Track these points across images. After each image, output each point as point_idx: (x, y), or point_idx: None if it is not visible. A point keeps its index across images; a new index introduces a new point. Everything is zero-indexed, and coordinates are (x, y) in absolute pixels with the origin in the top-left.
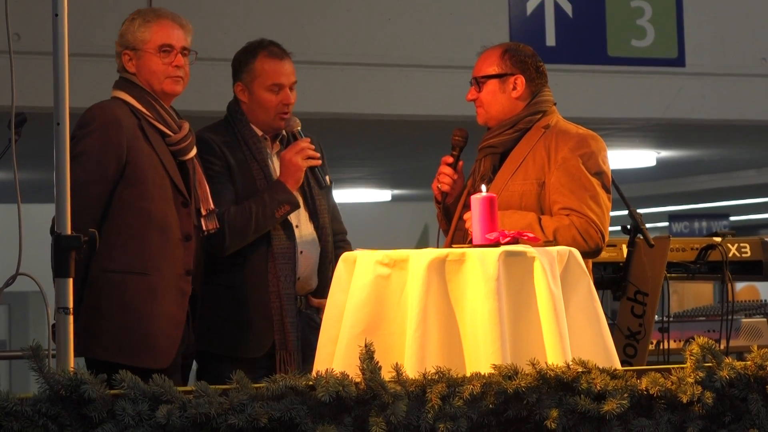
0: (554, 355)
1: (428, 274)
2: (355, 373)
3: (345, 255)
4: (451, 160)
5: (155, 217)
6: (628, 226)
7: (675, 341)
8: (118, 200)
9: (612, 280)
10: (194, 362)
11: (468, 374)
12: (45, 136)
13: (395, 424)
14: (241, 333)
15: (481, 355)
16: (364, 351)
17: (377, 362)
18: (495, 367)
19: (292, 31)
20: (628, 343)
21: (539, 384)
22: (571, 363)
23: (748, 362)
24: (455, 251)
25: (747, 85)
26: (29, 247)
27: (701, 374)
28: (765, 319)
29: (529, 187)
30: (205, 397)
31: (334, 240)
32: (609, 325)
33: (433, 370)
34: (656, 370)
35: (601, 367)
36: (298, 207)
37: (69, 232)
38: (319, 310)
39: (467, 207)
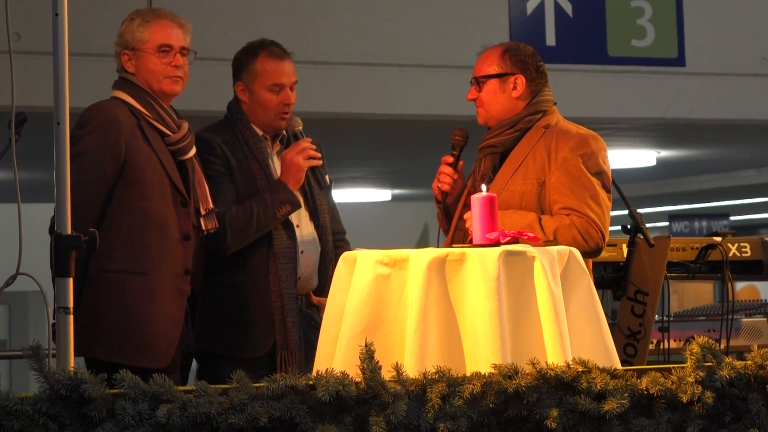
0: (554, 355)
1: (428, 273)
2: (355, 373)
3: (345, 255)
4: (451, 159)
5: (154, 216)
6: (629, 226)
7: (675, 341)
8: (117, 200)
9: (612, 280)
10: (194, 362)
11: (468, 374)
12: (45, 136)
13: (395, 423)
14: (242, 333)
15: (481, 355)
16: (364, 350)
17: (377, 362)
18: (495, 366)
19: (292, 31)
20: (629, 342)
21: (539, 383)
22: (571, 362)
23: (749, 362)
24: (455, 251)
25: (747, 85)
26: (29, 247)
27: (701, 374)
28: (765, 319)
29: (529, 187)
30: (205, 396)
31: (334, 239)
32: (609, 324)
33: (433, 370)
34: (656, 370)
35: (601, 366)
36: (299, 207)
37: (69, 231)
38: (320, 309)
39: (467, 207)
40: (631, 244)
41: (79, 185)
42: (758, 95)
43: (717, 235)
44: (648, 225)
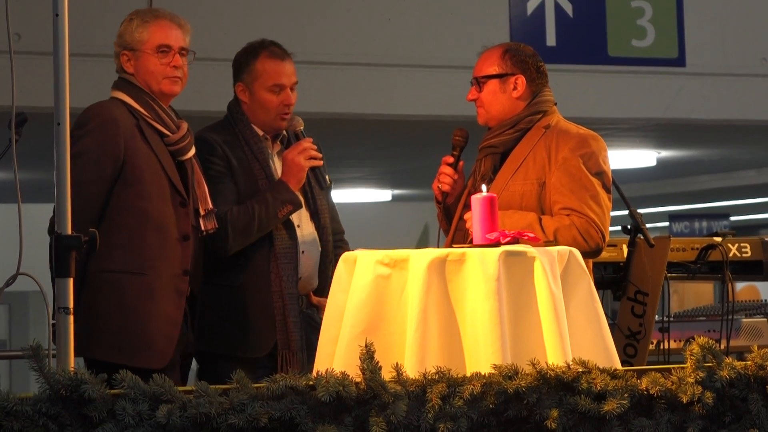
0: (554, 355)
1: (428, 274)
2: (355, 373)
3: (345, 255)
4: (451, 160)
5: (153, 216)
6: (629, 226)
7: (675, 341)
8: (116, 200)
9: (612, 280)
10: (195, 362)
11: (468, 374)
12: (45, 136)
13: (395, 424)
14: (244, 333)
15: (481, 355)
16: (364, 351)
17: (377, 362)
18: (495, 367)
19: (292, 31)
20: (629, 342)
21: (539, 384)
22: (571, 363)
23: (749, 362)
24: (455, 251)
25: (747, 85)
26: (29, 247)
27: (701, 374)
28: (765, 319)
29: (529, 187)
30: (205, 396)
31: (333, 240)
32: (609, 325)
33: (433, 370)
34: (656, 370)
35: (601, 367)
36: (300, 207)
37: (69, 232)
38: (320, 310)
39: (468, 207)
40: (632, 245)
41: (77, 185)
42: (758, 95)
43: (717, 235)
44: (648, 225)
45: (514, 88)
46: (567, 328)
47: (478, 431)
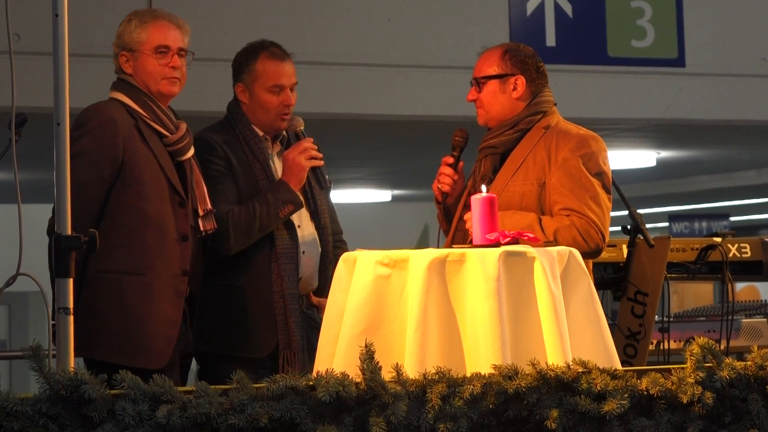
0: (554, 356)
1: (428, 274)
2: (355, 373)
3: (345, 255)
4: (451, 160)
5: (152, 217)
6: (629, 227)
7: (675, 341)
8: (115, 200)
9: (612, 281)
10: (195, 363)
11: (468, 374)
12: (45, 136)
13: (395, 424)
14: (245, 333)
15: (481, 355)
16: (364, 351)
17: (377, 362)
18: (495, 367)
19: (292, 31)
20: (629, 343)
21: (539, 384)
22: (571, 363)
23: (749, 362)
24: (455, 251)
25: (747, 85)
26: (29, 247)
27: (701, 374)
28: (765, 320)
29: (529, 188)
30: (205, 397)
31: (332, 240)
32: (609, 325)
33: (433, 370)
34: (656, 371)
35: (601, 367)
36: (301, 206)
37: (69, 232)
38: (320, 310)
39: (467, 207)
40: (631, 245)
41: (76, 186)
42: (758, 95)
43: (717, 235)
44: (648, 225)
45: (514, 89)
46: (567, 329)
47: (478, 431)
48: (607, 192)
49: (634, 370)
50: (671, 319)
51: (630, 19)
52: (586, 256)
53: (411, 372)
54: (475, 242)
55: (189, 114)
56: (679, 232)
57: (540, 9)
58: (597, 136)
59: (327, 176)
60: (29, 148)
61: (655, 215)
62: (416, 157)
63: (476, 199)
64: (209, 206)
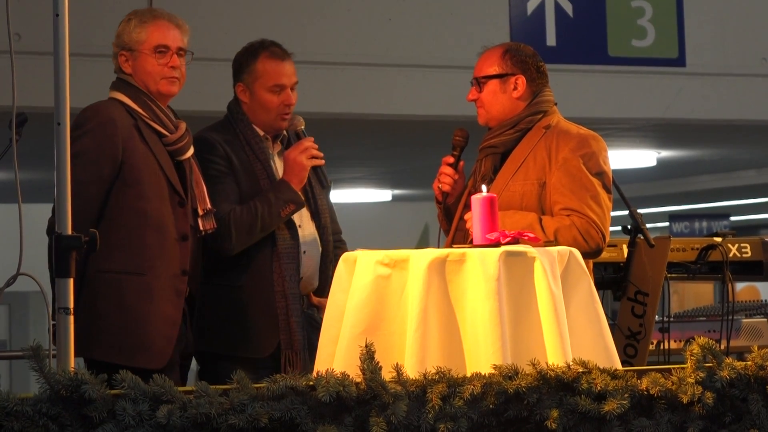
0: (555, 356)
1: (429, 274)
2: (355, 373)
3: (345, 255)
4: (451, 160)
5: (152, 217)
6: (629, 226)
7: (675, 341)
8: (115, 200)
9: (612, 280)
10: (195, 363)
11: (468, 374)
12: (45, 136)
13: (396, 424)
14: (246, 333)
15: (481, 355)
16: (364, 351)
17: (378, 362)
18: (495, 367)
19: (292, 31)
20: (629, 343)
21: (540, 384)
22: (571, 363)
23: (749, 362)
24: (456, 251)
25: (747, 85)
26: (30, 247)
27: (702, 374)
28: (765, 320)
29: (529, 188)
30: (205, 397)
31: (332, 239)
32: (609, 325)
33: (433, 370)
34: (657, 371)
35: (601, 367)
36: (303, 206)
37: (69, 232)
38: (320, 310)
39: (468, 207)
40: (632, 245)
41: (76, 186)
42: (758, 95)
43: (717, 235)
44: (648, 225)
45: (515, 89)
46: (567, 329)
47: (478, 431)
48: (608, 192)
49: (634, 370)
50: (671, 319)
51: (630, 18)
52: (586, 256)
53: (411, 372)
54: (475, 242)
55: (189, 114)
56: (679, 232)
57: (540, 9)
58: (597, 135)
59: (328, 176)
60: (29, 148)
61: (655, 215)
62: (416, 157)
63: (476, 199)
64: (209, 206)
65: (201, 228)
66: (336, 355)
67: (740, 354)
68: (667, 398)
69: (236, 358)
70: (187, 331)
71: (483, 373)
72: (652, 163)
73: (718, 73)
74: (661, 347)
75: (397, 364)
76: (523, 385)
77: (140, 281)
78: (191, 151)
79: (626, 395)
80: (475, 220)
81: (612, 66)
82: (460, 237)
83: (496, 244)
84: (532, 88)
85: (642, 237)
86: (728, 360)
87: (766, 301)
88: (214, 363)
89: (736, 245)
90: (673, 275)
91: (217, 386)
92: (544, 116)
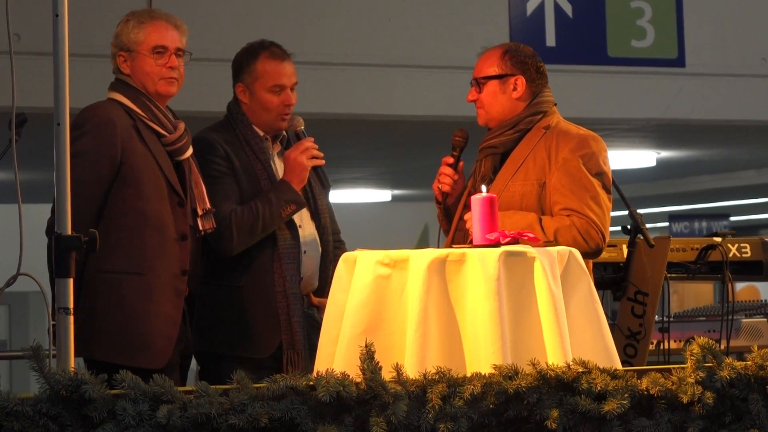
0: (555, 355)
1: (429, 274)
2: (355, 373)
3: (345, 255)
4: (451, 160)
5: (151, 217)
6: (629, 227)
7: (675, 341)
8: (114, 200)
9: (612, 281)
10: (195, 363)
11: (468, 374)
12: (45, 136)
13: (396, 424)
14: (248, 333)
15: (481, 355)
16: (364, 351)
17: (378, 362)
18: (495, 367)
19: (292, 31)
20: (629, 343)
21: (540, 384)
22: (571, 363)
23: (749, 362)
24: (455, 251)
25: (747, 85)
26: (30, 247)
27: (701, 374)
28: (765, 319)
29: (529, 188)
30: (205, 397)
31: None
32: (609, 325)
33: (433, 370)
34: (657, 370)
35: (601, 367)
36: (304, 206)
37: (69, 232)
38: (320, 310)
39: (468, 207)
40: (631, 245)
41: (75, 186)
42: (758, 95)
43: (717, 235)
44: (648, 225)
45: (514, 89)
46: (567, 329)
47: (478, 431)
48: (608, 192)
49: (634, 370)
50: (671, 319)
51: (630, 19)
52: (586, 256)
53: (411, 372)
54: (475, 242)
55: (189, 114)
56: (679, 232)
57: (540, 9)
58: (597, 136)
59: (328, 176)
60: (29, 148)
61: (655, 215)
62: (416, 157)
63: (476, 199)
64: (208, 205)
65: (200, 228)
66: (336, 355)
67: (740, 354)
68: (667, 398)
69: (237, 358)
70: (186, 331)
71: (483, 373)
72: (652, 163)
73: (718, 73)
74: (661, 347)
75: (397, 364)
76: (523, 385)
77: (140, 281)
78: (190, 151)
79: (626, 395)
80: (474, 220)
81: (612, 66)
82: (460, 237)
83: (496, 244)
84: (532, 88)
85: (642, 237)
86: (728, 360)
87: (766, 301)
88: (215, 363)
89: (736, 245)
90: (673, 275)
91: (217, 386)
92: (543, 117)
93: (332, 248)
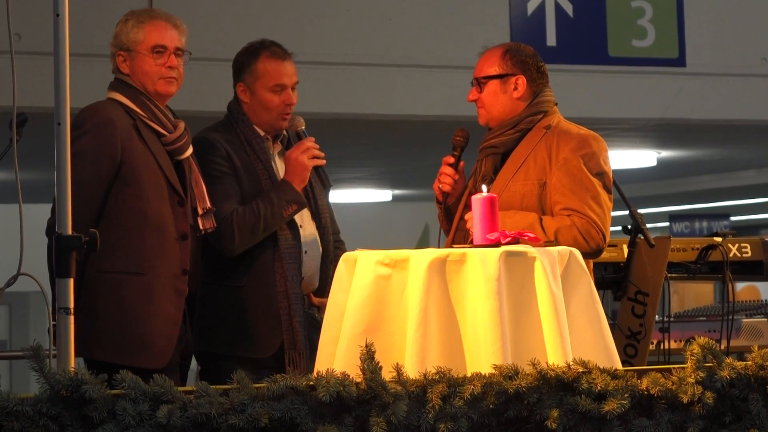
0: (555, 355)
1: (429, 274)
2: (355, 373)
3: (346, 255)
4: (452, 160)
5: (151, 216)
6: (629, 226)
7: (675, 341)
8: (114, 200)
9: (613, 280)
10: (195, 363)
11: (469, 374)
12: (45, 136)
13: (396, 424)
14: (249, 333)
15: (481, 355)
16: (364, 351)
17: (378, 362)
18: (496, 367)
19: (292, 31)
20: (629, 343)
21: (540, 384)
22: (571, 363)
23: (749, 362)
24: (456, 251)
25: (747, 85)
26: (30, 247)
27: (702, 374)
28: (765, 319)
29: (530, 188)
30: (205, 397)
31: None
32: (610, 325)
33: (433, 370)
34: (657, 370)
35: (601, 367)
36: (305, 206)
37: (69, 232)
38: (320, 310)
39: (468, 207)
40: (632, 245)
41: (75, 186)
42: (758, 95)
43: (717, 235)
44: (648, 225)
45: (515, 89)
46: (567, 328)
47: (478, 431)
48: (608, 192)
49: (634, 370)
50: (671, 319)
51: (630, 18)
52: (586, 256)
53: (411, 372)
54: (475, 242)
55: (189, 114)
56: (679, 231)
57: (540, 9)
58: (598, 136)
59: (329, 176)
60: (29, 148)
61: (655, 215)
62: (416, 157)
63: (477, 199)
64: (208, 205)
65: (201, 227)
66: (336, 355)
67: (740, 354)
68: (667, 398)
69: (238, 359)
70: (186, 331)
71: (483, 373)
72: (652, 163)
73: (718, 73)
74: (661, 347)
75: (397, 364)
76: (523, 385)
77: (140, 281)
78: (190, 150)
79: (626, 395)
80: (475, 220)
81: (612, 66)
82: (461, 237)
83: (497, 244)
84: (533, 88)
85: (642, 237)
86: (728, 360)
87: (766, 301)
88: (215, 363)
89: (736, 245)
90: (673, 275)
91: (217, 386)
92: (544, 116)
93: (333, 248)
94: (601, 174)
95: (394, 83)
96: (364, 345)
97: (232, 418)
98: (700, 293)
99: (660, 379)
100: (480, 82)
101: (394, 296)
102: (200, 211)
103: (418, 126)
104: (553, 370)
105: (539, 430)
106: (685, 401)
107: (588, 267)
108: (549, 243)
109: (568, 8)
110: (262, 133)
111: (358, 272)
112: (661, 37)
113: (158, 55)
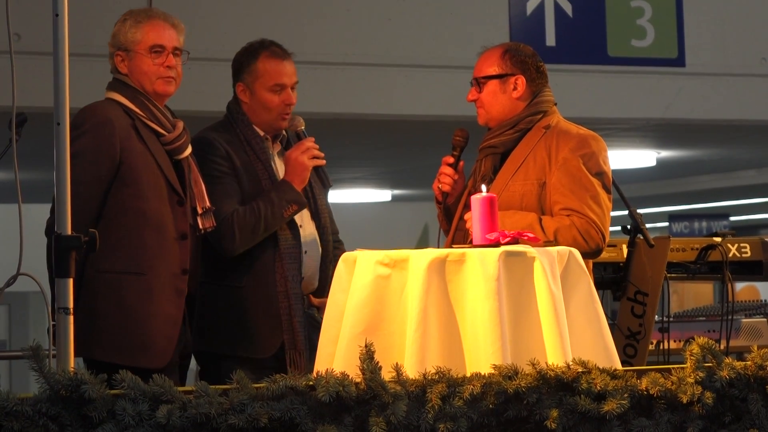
0: (554, 355)
1: (428, 274)
2: (355, 373)
3: (345, 255)
4: (451, 160)
5: (150, 216)
6: (629, 227)
7: (675, 341)
8: (114, 200)
9: (612, 280)
10: (195, 363)
11: (468, 374)
12: (45, 136)
13: (395, 424)
14: (249, 333)
15: (481, 355)
16: (364, 351)
17: (377, 362)
18: (495, 367)
19: (292, 31)
20: (628, 343)
21: (539, 384)
22: (571, 363)
23: (748, 362)
24: (455, 251)
25: (747, 85)
26: (30, 247)
27: (701, 374)
28: (765, 319)
29: (529, 188)
30: (205, 397)
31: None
32: (609, 325)
33: (433, 370)
34: (656, 370)
35: (601, 367)
36: (305, 206)
37: (69, 232)
38: (320, 310)
39: (468, 207)
40: (631, 245)
41: (75, 186)
42: (758, 95)
43: (717, 235)
44: (648, 225)
45: (514, 89)
46: (567, 328)
47: (478, 431)
48: (608, 192)
49: (634, 370)
50: (671, 319)
51: (630, 18)
52: (586, 256)
53: (411, 372)
54: (475, 242)
55: (189, 114)
56: (679, 231)
57: (540, 9)
58: (597, 135)
59: (329, 176)
60: (29, 148)
61: (655, 215)
62: (416, 157)
63: (476, 199)
64: (208, 204)
65: (200, 226)
66: (336, 355)
67: (740, 354)
68: (666, 398)
69: (238, 359)
70: (186, 331)
71: (483, 373)
72: (652, 163)
73: (718, 73)
74: (661, 347)
75: (396, 364)
76: (522, 385)
77: (140, 281)
78: (189, 149)
79: (626, 395)
80: (474, 220)
81: (612, 66)
82: (460, 237)
83: (496, 244)
84: (532, 88)
85: (642, 237)
86: (728, 360)
87: (765, 301)
88: (215, 363)
89: (736, 245)
90: (672, 275)
91: (217, 386)
92: (543, 116)
93: (332, 248)
94: (600, 174)
95: (394, 83)
96: (363, 345)
97: (232, 418)
98: (699, 293)
99: (659, 379)
100: (479, 82)
101: (394, 296)
102: (200, 211)
103: (417, 126)
104: (553, 370)
105: (539, 430)
106: (684, 401)
107: (587, 267)
108: (548, 243)
109: (568, 8)
110: (261, 133)
111: (358, 272)
112: (661, 37)
113: (156, 55)
